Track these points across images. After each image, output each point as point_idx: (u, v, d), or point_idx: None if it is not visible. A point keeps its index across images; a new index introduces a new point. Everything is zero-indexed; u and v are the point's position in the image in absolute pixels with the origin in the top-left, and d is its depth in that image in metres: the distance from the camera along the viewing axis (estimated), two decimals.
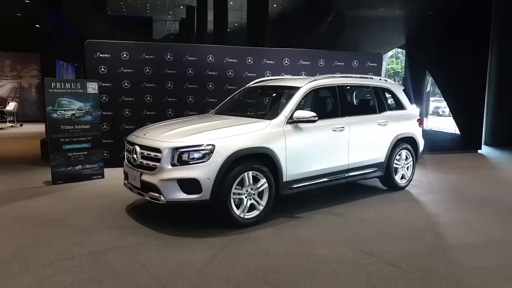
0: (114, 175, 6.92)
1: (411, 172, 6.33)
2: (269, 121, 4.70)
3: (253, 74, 8.12)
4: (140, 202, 5.39)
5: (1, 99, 17.20)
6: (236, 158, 4.26)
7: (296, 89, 5.11)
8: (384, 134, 5.87)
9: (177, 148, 4.17)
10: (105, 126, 7.38)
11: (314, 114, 4.76)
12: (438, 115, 25.29)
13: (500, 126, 11.35)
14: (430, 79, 16.23)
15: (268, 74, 8.17)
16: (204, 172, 4.12)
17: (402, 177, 6.24)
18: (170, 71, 7.75)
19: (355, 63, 8.75)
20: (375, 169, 5.83)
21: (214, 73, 7.96)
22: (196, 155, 4.16)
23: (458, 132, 11.40)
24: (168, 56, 7.71)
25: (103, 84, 7.28)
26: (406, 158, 6.24)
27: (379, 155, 5.84)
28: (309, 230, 4.42)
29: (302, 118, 4.76)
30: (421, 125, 6.51)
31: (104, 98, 7.35)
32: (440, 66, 12.13)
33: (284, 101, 5.14)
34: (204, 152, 4.15)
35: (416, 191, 6.22)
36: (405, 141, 6.17)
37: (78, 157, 6.55)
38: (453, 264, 3.62)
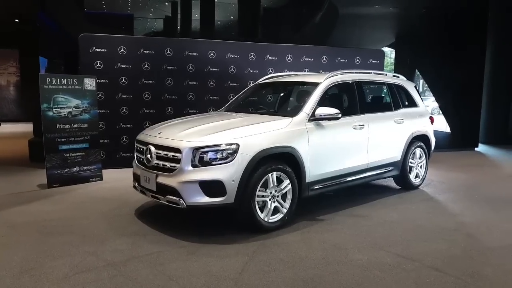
0: (112, 177, 6.55)
1: (424, 170, 6.19)
2: (291, 118, 4.43)
3: (255, 71, 7.85)
4: (149, 206, 5.04)
5: None
6: (260, 158, 3.98)
7: (315, 84, 4.85)
8: (400, 132, 5.70)
9: (198, 148, 3.85)
10: (101, 125, 6.95)
11: (337, 111, 4.51)
12: None
13: (495, 124, 11.41)
14: (420, 77, 16.24)
15: (271, 71, 7.89)
16: (228, 174, 3.82)
17: (416, 176, 6.08)
18: (169, 67, 7.39)
19: (357, 60, 8.58)
20: (392, 168, 5.65)
21: (215, 69, 7.64)
22: (219, 155, 3.85)
23: (448, 130, 11.37)
24: (168, 52, 7.35)
25: (99, 81, 6.84)
26: (420, 157, 6.09)
27: (396, 154, 5.66)
28: (337, 233, 4.17)
29: (325, 115, 4.51)
30: (433, 123, 6.37)
31: (100, 95, 6.93)
32: (434, 65, 12.08)
33: (304, 97, 4.88)
34: (228, 151, 3.85)
35: (430, 190, 6.07)
36: (419, 139, 6.02)
37: (75, 158, 6.13)
38: (499, 267, 3.43)
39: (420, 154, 6.08)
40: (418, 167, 6.07)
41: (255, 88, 5.77)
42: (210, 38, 8.21)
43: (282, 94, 5.66)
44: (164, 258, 3.50)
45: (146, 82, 7.29)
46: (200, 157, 3.85)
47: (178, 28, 18.05)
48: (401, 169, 5.78)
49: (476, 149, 10.44)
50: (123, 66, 7.12)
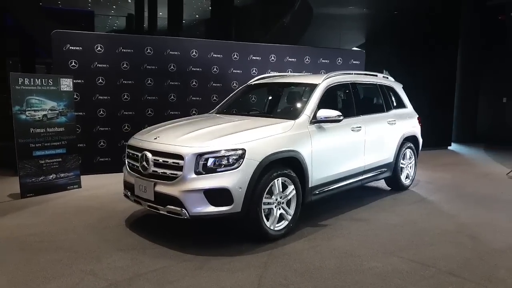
0: (91, 184, 6.14)
1: (413, 171, 6.21)
2: (293, 121, 4.25)
3: (239, 71, 7.63)
4: (139, 215, 4.72)
5: None
6: (267, 164, 3.78)
7: (314, 86, 4.71)
8: (393, 133, 5.67)
9: (202, 154, 3.60)
10: (76, 128, 6.47)
11: (339, 113, 4.39)
12: None
13: (464, 124, 11.77)
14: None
15: (254, 71, 7.71)
16: (235, 181, 3.59)
17: (407, 177, 6.09)
18: (150, 67, 7.02)
19: (339, 61, 8.54)
20: (385, 169, 5.61)
21: (198, 69, 7.34)
22: (224, 161, 3.62)
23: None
24: (148, 50, 6.97)
25: (75, 81, 6.35)
26: (410, 158, 6.11)
27: (389, 155, 5.63)
28: (344, 239, 4.04)
29: (327, 117, 4.36)
30: (421, 124, 6.41)
31: (75, 96, 6.45)
32: (406, 66, 12.29)
33: (303, 99, 4.73)
34: (234, 157, 3.63)
35: (420, 191, 6.09)
36: (409, 140, 6.03)
37: (52, 164, 5.67)
38: None
39: (410, 155, 6.09)
40: (408, 167, 6.08)
41: (247, 89, 5.55)
42: (176, 36, 7.90)
43: (278, 96, 5.47)
44: (171, 275, 3.23)
45: (125, 82, 6.89)
46: (204, 164, 3.60)
47: (144, 26, 17.49)
48: (394, 170, 5.76)
49: (449, 148, 10.73)
50: (100, 65, 6.68)
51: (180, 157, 3.63)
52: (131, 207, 4.89)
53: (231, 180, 3.59)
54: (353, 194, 5.68)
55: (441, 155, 9.62)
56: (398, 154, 5.77)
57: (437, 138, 10.76)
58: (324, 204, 5.17)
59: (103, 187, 6.02)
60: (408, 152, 6.03)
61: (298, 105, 4.68)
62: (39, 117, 5.55)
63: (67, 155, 5.82)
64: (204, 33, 18.39)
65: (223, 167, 3.62)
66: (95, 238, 4.02)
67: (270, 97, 5.61)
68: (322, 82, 4.73)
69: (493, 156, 9.31)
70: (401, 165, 5.90)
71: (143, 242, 3.91)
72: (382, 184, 6.19)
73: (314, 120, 4.38)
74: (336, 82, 4.95)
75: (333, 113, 4.37)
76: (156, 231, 4.21)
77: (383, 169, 5.56)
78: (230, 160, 3.62)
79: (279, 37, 12.49)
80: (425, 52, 10.87)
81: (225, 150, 3.63)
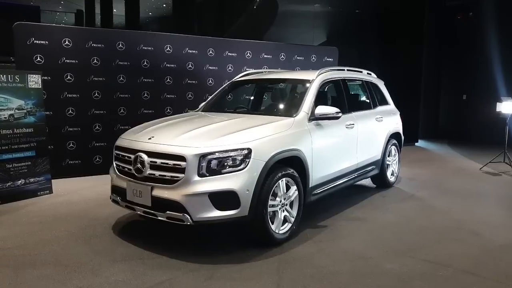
0: (63, 189, 5.69)
1: (397, 168, 6.24)
2: (292, 119, 4.08)
3: (215, 67, 7.35)
4: (125, 221, 4.39)
5: None
6: (273, 164, 3.58)
7: (308, 82, 4.56)
8: (381, 130, 5.66)
9: (206, 154, 3.34)
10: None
11: (337, 109, 4.26)
12: None
13: (427, 121, 12.13)
14: None
15: (230, 68, 7.46)
16: (242, 183, 3.36)
17: (392, 174, 6.10)
18: (122, 63, 6.58)
19: (313, 58, 8.47)
20: (374, 167, 5.57)
21: (172, 65, 6.98)
22: (230, 162, 3.38)
23: None
24: (120, 45, 6.53)
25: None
26: (394, 154, 6.12)
27: (377, 152, 5.60)
28: (350, 241, 3.92)
29: (325, 114, 4.22)
30: (401, 120, 6.45)
31: None
32: (374, 64, 12.49)
33: (298, 96, 4.57)
34: (240, 157, 3.39)
35: (405, 187, 6.10)
36: (394, 137, 6.04)
37: (20, 169, 5.15)
38: None
39: (394, 152, 6.11)
40: (393, 164, 6.09)
41: (234, 86, 5.29)
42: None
43: (269, 93, 5.26)
44: (181, 287, 2.95)
45: (96, 79, 6.40)
46: (208, 165, 3.34)
47: (96, 23, 16.65)
48: (381, 167, 5.74)
49: (416, 144, 11.01)
50: (68, 61, 6.16)
51: (181, 158, 3.34)
52: (114, 213, 4.54)
53: (238, 181, 3.35)
54: (342, 192, 5.57)
55: (412, 151, 9.82)
56: (385, 151, 5.76)
57: (405, 135, 10.99)
58: (316, 204, 5.02)
59: (76, 192, 5.56)
60: (393, 149, 6.05)
61: (294, 102, 4.51)
62: (5, 117, 5.02)
63: (37, 158, 5.31)
64: (158, 30, 17.84)
65: (228, 168, 3.38)
66: (84, 249, 3.63)
67: (260, 94, 5.40)
68: (316, 78, 4.59)
69: (461, 152, 9.63)
70: (387, 162, 5.89)
71: (139, 252, 3.58)
72: (366, 181, 6.15)
73: (312, 117, 4.22)
74: (328, 78, 4.83)
75: (331, 109, 4.24)
76: (149, 239, 3.89)
77: (372, 167, 5.52)
78: (237, 161, 3.39)
79: (242, 32, 12.25)
80: (392, 51, 11.09)
81: (230, 149, 3.39)
